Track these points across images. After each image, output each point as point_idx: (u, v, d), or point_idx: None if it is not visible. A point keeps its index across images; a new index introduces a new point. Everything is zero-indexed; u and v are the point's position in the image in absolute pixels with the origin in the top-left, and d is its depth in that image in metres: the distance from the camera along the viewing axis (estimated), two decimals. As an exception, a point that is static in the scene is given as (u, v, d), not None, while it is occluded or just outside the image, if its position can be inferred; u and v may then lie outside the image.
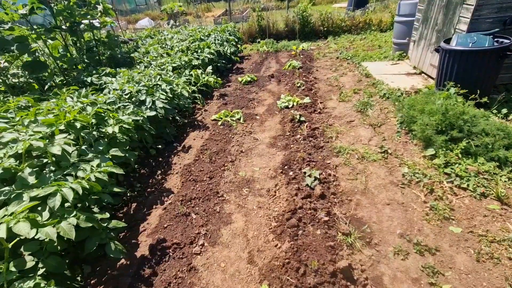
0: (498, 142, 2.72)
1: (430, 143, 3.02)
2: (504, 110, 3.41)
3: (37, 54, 4.34)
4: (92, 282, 2.16)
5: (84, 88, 3.74)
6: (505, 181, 2.52)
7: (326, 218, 2.40)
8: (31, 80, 4.64)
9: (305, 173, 2.94)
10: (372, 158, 3.13)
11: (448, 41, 3.76)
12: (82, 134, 2.61)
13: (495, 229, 2.16)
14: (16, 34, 3.95)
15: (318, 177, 2.84)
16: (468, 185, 2.54)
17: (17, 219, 1.61)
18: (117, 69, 5.01)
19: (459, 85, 3.39)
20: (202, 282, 2.07)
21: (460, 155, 2.79)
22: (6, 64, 4.29)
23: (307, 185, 2.79)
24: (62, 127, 2.47)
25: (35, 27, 4.32)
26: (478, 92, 3.24)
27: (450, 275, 1.91)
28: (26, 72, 4.28)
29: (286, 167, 3.17)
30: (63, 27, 4.82)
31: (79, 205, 2.19)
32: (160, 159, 3.69)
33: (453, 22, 4.06)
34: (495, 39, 3.45)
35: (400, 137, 3.42)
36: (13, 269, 1.65)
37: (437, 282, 1.86)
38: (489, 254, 1.99)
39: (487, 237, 2.10)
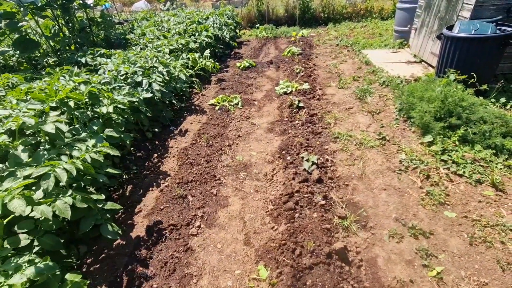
0: (496, 129, 2.72)
1: (428, 130, 3.02)
2: (503, 99, 3.41)
3: (25, 31, 4.18)
4: (88, 261, 2.16)
5: (77, 68, 3.63)
6: (500, 169, 2.54)
7: (323, 202, 2.41)
8: (23, 60, 4.49)
9: (302, 158, 2.93)
10: (370, 145, 3.12)
11: (450, 28, 3.71)
12: (76, 113, 2.55)
13: (489, 214, 2.19)
14: (3, 9, 3.78)
15: (316, 162, 2.84)
16: (464, 171, 2.56)
17: (12, 196, 1.58)
18: (112, 50, 4.87)
19: (459, 73, 3.36)
20: (199, 262, 2.08)
21: (457, 142, 2.80)
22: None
23: (304, 169, 2.79)
24: (53, 105, 2.40)
25: (25, 4, 4.14)
26: (478, 79, 3.22)
27: (443, 257, 1.94)
28: (18, 52, 4.13)
29: (283, 152, 3.15)
30: (55, 5, 4.63)
31: (74, 184, 2.16)
32: (157, 142, 3.64)
33: (456, 9, 3.99)
34: (498, 27, 3.41)
35: (398, 124, 3.41)
36: (7, 246, 1.63)
37: (430, 264, 1.90)
38: (482, 238, 2.02)
39: (480, 222, 2.13)
